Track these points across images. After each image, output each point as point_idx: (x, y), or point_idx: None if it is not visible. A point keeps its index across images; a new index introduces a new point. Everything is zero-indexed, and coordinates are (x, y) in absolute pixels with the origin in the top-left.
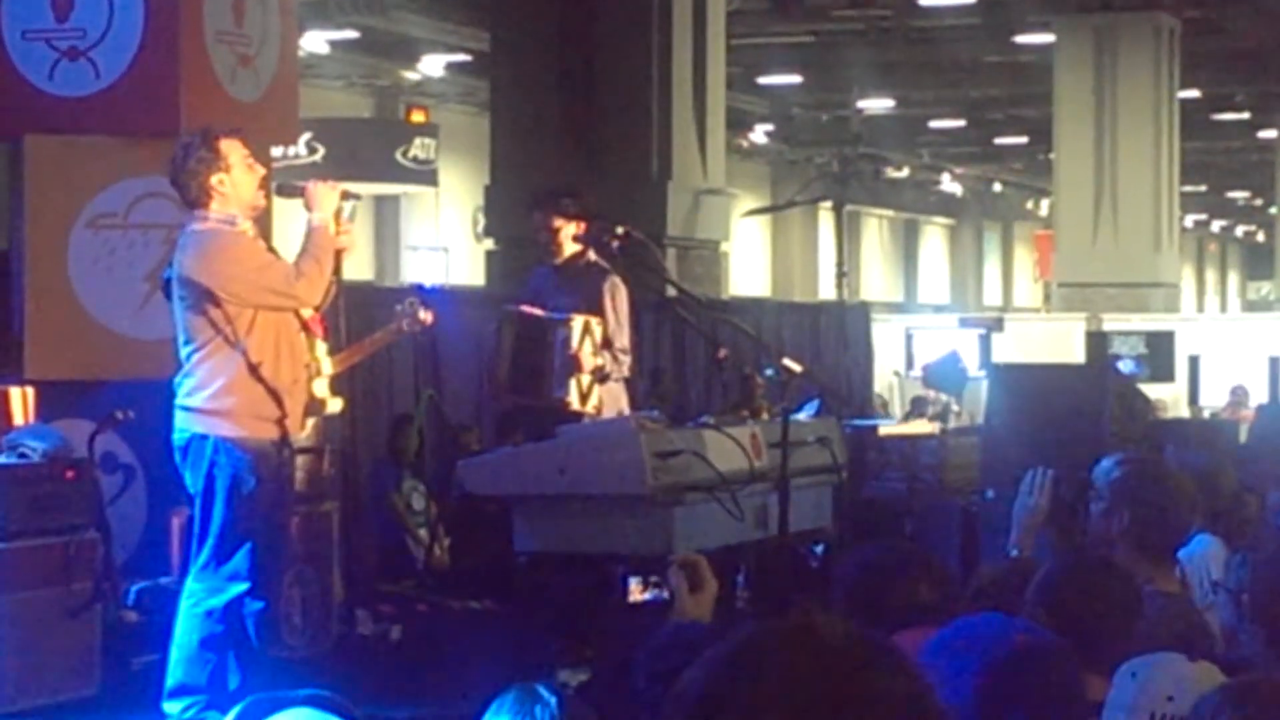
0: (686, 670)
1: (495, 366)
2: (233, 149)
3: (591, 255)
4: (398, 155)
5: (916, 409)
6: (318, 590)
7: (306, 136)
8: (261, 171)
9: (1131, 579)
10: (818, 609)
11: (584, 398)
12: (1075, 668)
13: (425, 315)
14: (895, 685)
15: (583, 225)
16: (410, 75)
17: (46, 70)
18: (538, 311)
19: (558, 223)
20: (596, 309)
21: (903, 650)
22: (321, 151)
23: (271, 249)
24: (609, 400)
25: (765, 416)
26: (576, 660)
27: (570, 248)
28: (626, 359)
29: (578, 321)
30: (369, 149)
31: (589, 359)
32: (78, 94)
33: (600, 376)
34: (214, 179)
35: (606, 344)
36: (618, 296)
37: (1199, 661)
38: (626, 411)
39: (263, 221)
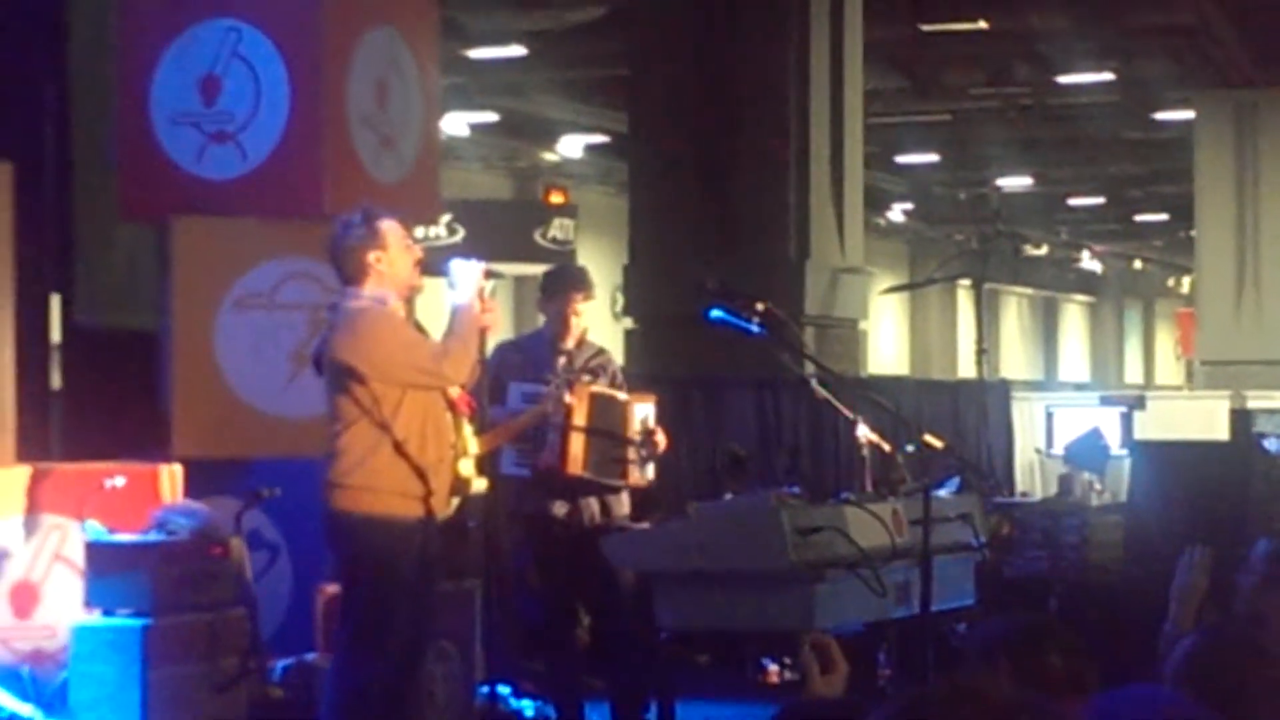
0: None
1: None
2: (392, 229)
3: (587, 333)
4: (537, 236)
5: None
6: (460, 667)
7: (447, 218)
8: (418, 254)
9: (1276, 655)
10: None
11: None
12: None
13: (570, 399)
14: None
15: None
16: (549, 156)
17: (195, 154)
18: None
19: (579, 306)
20: (610, 383)
21: (1064, 714)
22: (462, 233)
23: (419, 327)
24: None
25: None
26: None
27: (579, 329)
28: None
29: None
30: (508, 230)
31: (662, 438)
32: (225, 176)
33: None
34: (371, 256)
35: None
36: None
37: None
38: None
39: (409, 300)
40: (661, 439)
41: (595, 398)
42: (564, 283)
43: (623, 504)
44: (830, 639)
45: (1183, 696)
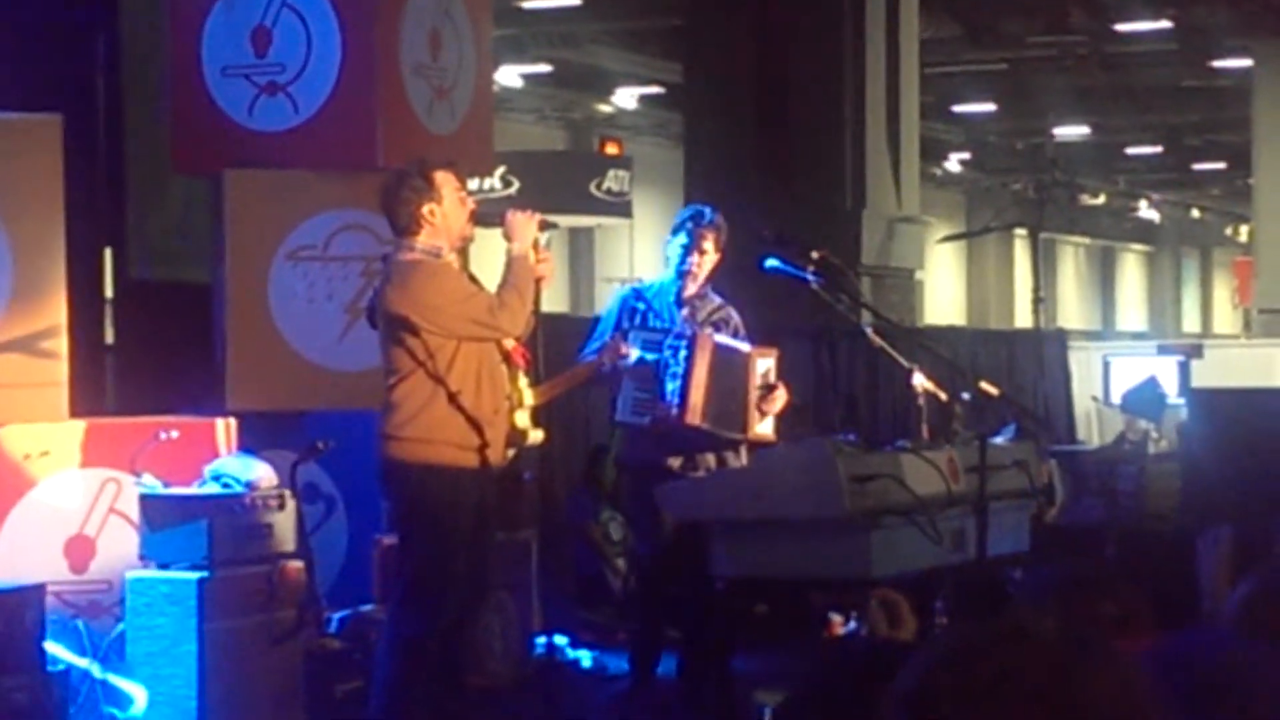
0: (902, 668)
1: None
2: (446, 181)
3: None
4: (592, 187)
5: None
6: (517, 618)
7: (501, 170)
8: (472, 205)
9: None
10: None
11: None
12: None
13: (627, 349)
14: (1107, 683)
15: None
16: (604, 108)
17: (246, 106)
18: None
19: (706, 245)
20: (733, 337)
21: (1118, 650)
22: (516, 185)
23: (473, 279)
24: None
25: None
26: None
27: (702, 271)
28: None
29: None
30: (563, 182)
31: (783, 393)
32: (276, 128)
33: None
34: (425, 209)
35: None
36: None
37: None
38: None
39: (462, 251)
40: (782, 394)
41: (718, 348)
42: (692, 218)
43: (740, 459)
44: (899, 596)
45: (1246, 640)
